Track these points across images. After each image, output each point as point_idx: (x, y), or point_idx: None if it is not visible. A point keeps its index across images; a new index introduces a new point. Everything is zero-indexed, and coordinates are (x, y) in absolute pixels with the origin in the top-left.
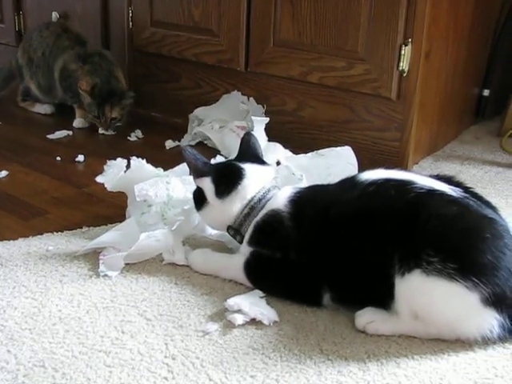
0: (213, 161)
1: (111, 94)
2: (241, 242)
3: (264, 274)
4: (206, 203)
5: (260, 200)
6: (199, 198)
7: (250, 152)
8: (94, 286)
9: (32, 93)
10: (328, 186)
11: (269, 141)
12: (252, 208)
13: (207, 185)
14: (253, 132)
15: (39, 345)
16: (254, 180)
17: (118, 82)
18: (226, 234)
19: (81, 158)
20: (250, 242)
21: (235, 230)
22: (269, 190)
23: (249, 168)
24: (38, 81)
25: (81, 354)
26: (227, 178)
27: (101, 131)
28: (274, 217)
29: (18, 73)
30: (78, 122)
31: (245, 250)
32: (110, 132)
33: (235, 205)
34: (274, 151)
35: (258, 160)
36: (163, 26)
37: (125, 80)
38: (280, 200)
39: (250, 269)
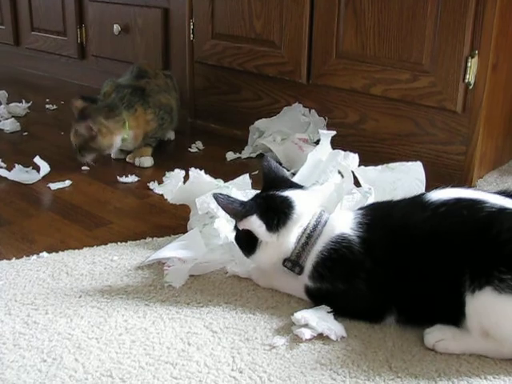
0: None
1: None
2: (300, 274)
3: (327, 298)
4: (258, 244)
5: (315, 226)
6: (248, 242)
7: (278, 179)
8: (159, 297)
9: None
10: (395, 204)
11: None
12: (309, 236)
13: (255, 223)
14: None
15: (106, 354)
16: (305, 206)
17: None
18: None
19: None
20: (313, 276)
21: (293, 262)
22: (321, 215)
23: (292, 194)
24: None
25: (147, 365)
26: (276, 209)
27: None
28: (342, 242)
29: None
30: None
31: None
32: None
33: (292, 235)
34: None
35: (294, 185)
36: (224, 37)
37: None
38: (344, 223)
39: (311, 292)
